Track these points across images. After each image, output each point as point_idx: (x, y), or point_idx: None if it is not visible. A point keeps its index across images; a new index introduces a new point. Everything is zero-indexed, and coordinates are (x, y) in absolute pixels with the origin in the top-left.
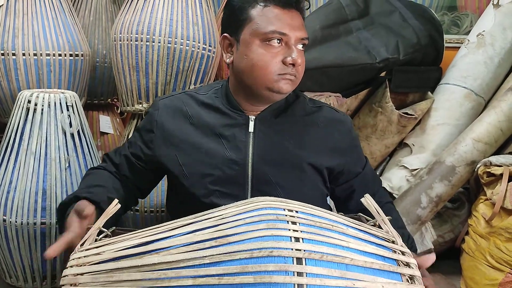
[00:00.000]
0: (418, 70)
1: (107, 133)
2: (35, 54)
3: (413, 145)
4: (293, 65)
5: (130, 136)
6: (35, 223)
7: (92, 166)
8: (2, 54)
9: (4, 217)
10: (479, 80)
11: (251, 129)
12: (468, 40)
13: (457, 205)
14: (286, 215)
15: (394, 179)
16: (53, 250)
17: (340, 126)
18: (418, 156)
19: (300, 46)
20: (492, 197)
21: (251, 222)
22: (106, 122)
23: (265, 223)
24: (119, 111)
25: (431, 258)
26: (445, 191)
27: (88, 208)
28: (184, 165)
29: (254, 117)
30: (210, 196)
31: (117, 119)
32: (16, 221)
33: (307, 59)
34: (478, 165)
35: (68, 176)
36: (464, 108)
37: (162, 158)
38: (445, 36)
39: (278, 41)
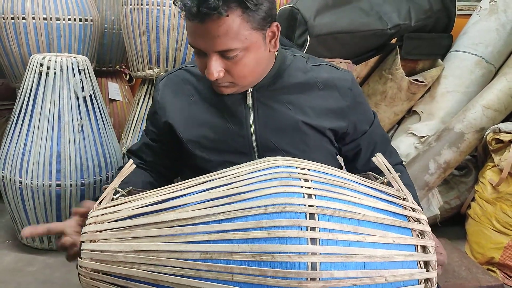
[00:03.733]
0: (429, 37)
1: (116, 100)
2: (45, 18)
3: (422, 112)
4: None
5: (138, 112)
6: (50, 185)
7: (104, 130)
8: (12, 18)
9: (20, 179)
10: (490, 47)
11: (248, 101)
12: (480, 7)
13: (464, 172)
14: (298, 173)
15: (403, 146)
16: (29, 231)
17: (340, 85)
18: (427, 123)
19: (230, 55)
20: (500, 163)
21: (264, 180)
22: (114, 89)
23: (278, 181)
24: (127, 78)
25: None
26: (453, 157)
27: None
28: (189, 142)
29: (251, 88)
30: (219, 167)
31: (126, 86)
32: (31, 183)
33: (319, 24)
34: (487, 132)
35: (81, 140)
36: (474, 76)
37: (171, 135)
38: (457, 4)
39: (198, 52)
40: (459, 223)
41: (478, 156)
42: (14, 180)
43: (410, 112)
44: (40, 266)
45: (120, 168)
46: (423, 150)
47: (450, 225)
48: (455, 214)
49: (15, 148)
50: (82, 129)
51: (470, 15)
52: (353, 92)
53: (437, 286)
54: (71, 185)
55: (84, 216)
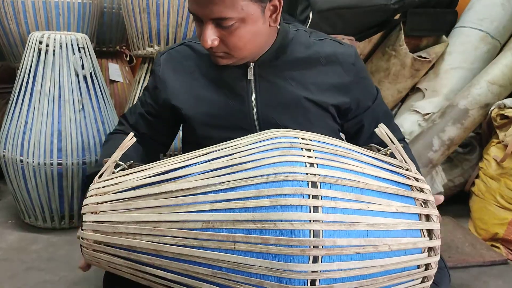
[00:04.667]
0: (433, 13)
1: (116, 81)
2: None
3: (426, 89)
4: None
5: (140, 95)
6: (51, 164)
7: (105, 108)
8: None
9: (22, 158)
10: (495, 23)
11: (250, 76)
12: None
13: (468, 149)
14: (300, 143)
15: (406, 123)
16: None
17: (343, 60)
18: (431, 100)
19: (225, 24)
20: (504, 139)
21: (265, 150)
22: (115, 70)
23: (280, 150)
24: (128, 59)
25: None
26: (457, 134)
27: None
28: (190, 118)
29: (253, 63)
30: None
31: (126, 67)
32: (33, 162)
33: (321, 0)
34: (492, 108)
35: (82, 118)
36: (479, 52)
37: (170, 111)
38: None
39: (196, 19)
40: (463, 201)
41: (483, 133)
42: (16, 159)
43: (414, 89)
44: (43, 245)
45: (112, 133)
46: (427, 127)
47: (454, 203)
48: (459, 192)
49: (16, 127)
50: (83, 108)
51: None
52: (356, 67)
53: (441, 259)
54: (72, 163)
55: None
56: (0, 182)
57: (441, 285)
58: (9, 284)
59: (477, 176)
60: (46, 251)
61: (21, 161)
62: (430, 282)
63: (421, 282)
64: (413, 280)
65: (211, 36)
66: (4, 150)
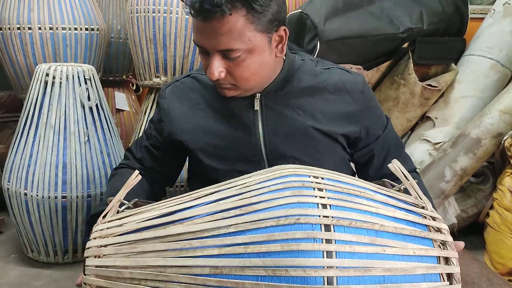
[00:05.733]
0: (442, 41)
1: (122, 110)
2: (51, 28)
3: (436, 118)
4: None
5: (145, 127)
6: (56, 197)
7: (111, 140)
8: (18, 29)
9: (26, 191)
10: (505, 50)
11: (256, 107)
12: (494, 10)
13: (481, 179)
14: (312, 182)
15: (416, 153)
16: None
17: (351, 88)
18: (441, 129)
19: (232, 55)
20: None
21: (276, 190)
22: (121, 99)
23: (291, 190)
24: (134, 88)
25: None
26: (470, 164)
27: None
28: (197, 150)
29: (259, 94)
30: (228, 175)
31: (133, 96)
32: (37, 195)
33: (329, 29)
34: (505, 137)
35: (87, 150)
36: (489, 80)
37: (176, 144)
38: (469, 7)
39: (202, 50)
40: (477, 232)
41: (496, 163)
42: (20, 192)
43: (424, 118)
44: (46, 281)
45: (117, 168)
46: (438, 157)
47: (468, 234)
48: (472, 222)
49: (21, 159)
50: (89, 139)
51: (483, 18)
52: (364, 95)
53: None
54: (77, 196)
55: None
56: (4, 214)
57: None
58: None
59: (492, 207)
60: (49, 287)
61: (25, 194)
62: None
63: None
64: None
65: (218, 68)
66: (9, 183)
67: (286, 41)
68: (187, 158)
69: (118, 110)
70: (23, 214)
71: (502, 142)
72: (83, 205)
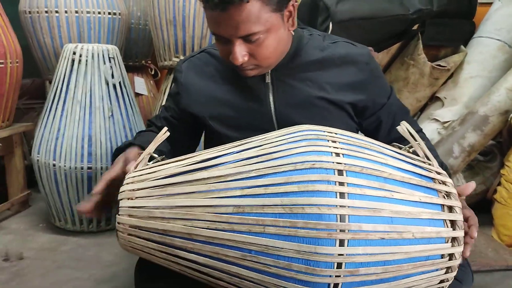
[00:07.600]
0: (451, 23)
1: (141, 94)
2: (76, 12)
3: (445, 98)
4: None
5: (165, 101)
6: (82, 168)
7: (133, 116)
8: (46, 12)
9: (54, 162)
10: None
11: (267, 79)
12: None
13: (489, 157)
14: (326, 135)
15: (426, 132)
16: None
17: (357, 60)
18: (450, 108)
19: (253, 38)
20: None
21: (293, 141)
22: (140, 84)
23: (307, 141)
24: (152, 72)
25: (471, 185)
26: (477, 140)
27: (134, 151)
28: (212, 120)
29: None
30: None
31: (151, 81)
32: (65, 166)
33: (341, 10)
34: (511, 115)
35: (111, 125)
36: (497, 61)
37: (193, 116)
38: None
39: (221, 39)
40: (485, 210)
41: (503, 140)
42: (48, 163)
43: (433, 98)
44: (73, 246)
45: (139, 132)
46: (447, 134)
47: (476, 211)
48: (480, 200)
49: (50, 132)
50: (112, 115)
51: (491, 3)
52: (370, 66)
53: (466, 262)
54: (101, 168)
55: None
56: (32, 189)
57: (464, 282)
58: (40, 281)
59: (499, 184)
60: (76, 251)
61: (54, 165)
62: (454, 274)
63: (445, 273)
64: (437, 270)
65: (241, 53)
66: (38, 155)
67: (295, 14)
68: (203, 133)
69: (137, 94)
70: (51, 184)
71: (509, 119)
72: None
